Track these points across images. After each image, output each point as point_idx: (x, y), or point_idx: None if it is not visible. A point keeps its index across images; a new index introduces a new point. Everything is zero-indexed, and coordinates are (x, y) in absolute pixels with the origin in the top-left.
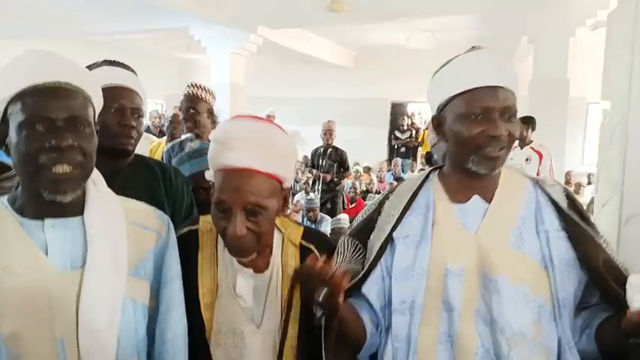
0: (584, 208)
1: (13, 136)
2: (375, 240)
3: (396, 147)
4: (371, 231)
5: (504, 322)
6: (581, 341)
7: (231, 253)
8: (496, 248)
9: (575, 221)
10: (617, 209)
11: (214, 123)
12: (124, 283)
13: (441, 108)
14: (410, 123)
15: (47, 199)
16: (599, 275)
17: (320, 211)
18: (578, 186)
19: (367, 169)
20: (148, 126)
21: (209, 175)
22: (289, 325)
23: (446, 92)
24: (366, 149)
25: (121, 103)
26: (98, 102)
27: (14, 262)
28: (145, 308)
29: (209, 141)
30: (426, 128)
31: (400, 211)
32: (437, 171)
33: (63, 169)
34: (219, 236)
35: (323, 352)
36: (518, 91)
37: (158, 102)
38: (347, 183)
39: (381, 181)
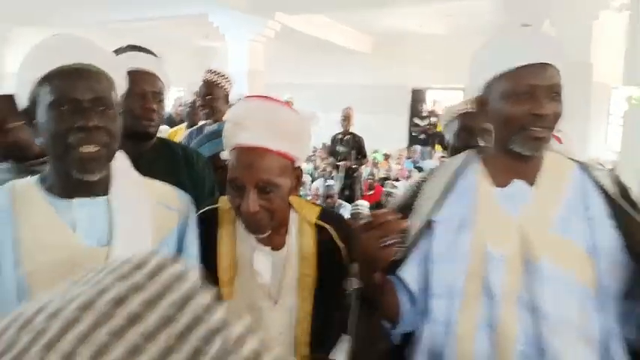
0: None
1: (41, 116)
2: (414, 223)
3: (415, 134)
4: (409, 213)
5: (547, 309)
6: (627, 330)
7: (247, 230)
8: (539, 233)
9: (624, 209)
10: None
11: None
12: None
13: (485, 87)
14: (430, 110)
15: (75, 177)
16: None
17: (338, 198)
18: None
19: (386, 157)
20: (170, 114)
21: (224, 155)
22: (304, 300)
23: (490, 71)
24: (385, 136)
25: (142, 87)
26: (122, 85)
27: (45, 238)
28: None
29: None
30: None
31: (440, 193)
32: (479, 153)
33: (89, 149)
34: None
35: (350, 321)
36: None
37: (180, 89)
38: (365, 170)
39: (400, 168)
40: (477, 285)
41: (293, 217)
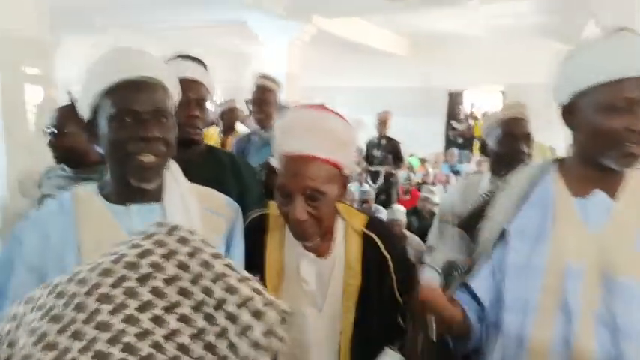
0: None
1: (103, 127)
2: (486, 231)
3: (452, 138)
4: (481, 223)
5: (630, 328)
6: None
7: (295, 238)
8: (621, 249)
9: None
10: None
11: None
12: None
13: (575, 96)
14: (468, 113)
15: (133, 185)
16: None
17: (375, 203)
18: None
19: (422, 161)
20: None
21: (274, 162)
22: (348, 309)
23: (585, 80)
24: (421, 140)
25: (187, 95)
26: (175, 94)
27: (104, 242)
28: None
29: None
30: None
31: (515, 203)
32: (556, 163)
33: (148, 158)
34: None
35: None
36: None
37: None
38: (402, 174)
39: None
40: (552, 299)
41: (340, 225)
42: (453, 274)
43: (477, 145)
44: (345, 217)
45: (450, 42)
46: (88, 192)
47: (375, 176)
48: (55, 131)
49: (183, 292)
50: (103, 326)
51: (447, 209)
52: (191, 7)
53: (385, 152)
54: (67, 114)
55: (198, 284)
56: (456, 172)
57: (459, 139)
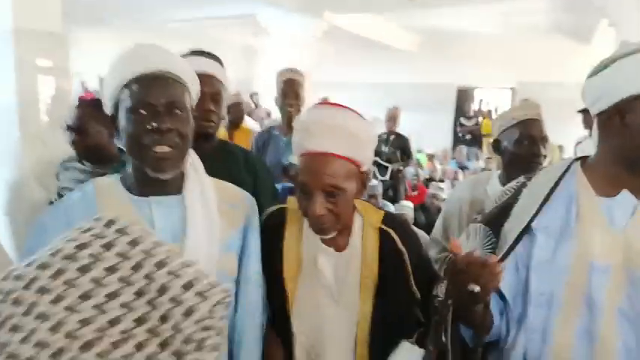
0: None
1: (122, 120)
2: (511, 229)
3: (461, 134)
4: (505, 219)
5: None
6: None
7: (314, 231)
8: None
9: None
10: None
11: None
12: (217, 256)
13: (627, 100)
14: (477, 109)
15: (151, 176)
16: None
17: (382, 198)
18: None
19: (430, 157)
20: None
21: (294, 160)
22: (364, 302)
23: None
24: (429, 136)
25: (202, 89)
26: (195, 89)
27: None
28: (233, 279)
29: None
30: (485, 117)
31: (541, 200)
32: (579, 161)
33: (162, 149)
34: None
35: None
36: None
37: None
38: (409, 170)
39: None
40: (577, 295)
41: (357, 220)
42: None
43: (485, 142)
44: (362, 212)
45: (460, 39)
46: (110, 183)
47: (383, 171)
48: (76, 130)
49: (125, 280)
50: (43, 317)
51: (454, 205)
52: (204, 2)
53: (393, 148)
54: (88, 111)
55: (140, 272)
56: (464, 169)
57: (467, 136)
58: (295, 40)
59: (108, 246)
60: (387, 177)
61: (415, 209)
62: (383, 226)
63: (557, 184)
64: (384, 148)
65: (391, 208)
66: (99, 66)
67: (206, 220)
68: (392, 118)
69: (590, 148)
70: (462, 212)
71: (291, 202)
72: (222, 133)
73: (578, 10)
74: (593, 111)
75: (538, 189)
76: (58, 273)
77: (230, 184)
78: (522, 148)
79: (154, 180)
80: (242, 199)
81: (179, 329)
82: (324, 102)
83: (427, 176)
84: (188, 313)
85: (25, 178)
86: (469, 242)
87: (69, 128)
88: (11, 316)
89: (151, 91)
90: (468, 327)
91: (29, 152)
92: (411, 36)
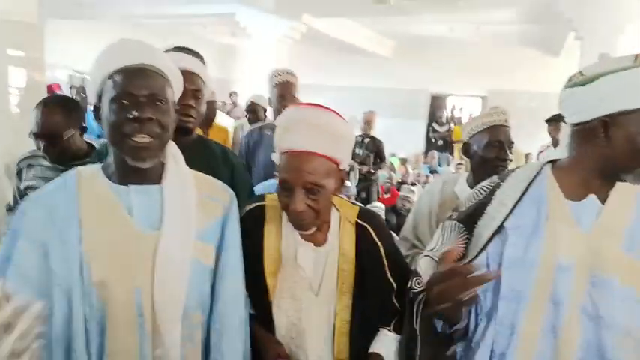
0: None
1: (105, 109)
2: (484, 227)
3: (433, 140)
4: (478, 217)
5: (611, 319)
6: None
7: (294, 227)
8: (609, 248)
9: None
10: None
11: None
12: (192, 246)
13: (613, 115)
14: (450, 116)
15: (130, 165)
16: None
17: (355, 200)
18: None
19: (403, 161)
20: None
21: (275, 158)
22: (343, 294)
23: (624, 103)
24: (403, 140)
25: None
26: (177, 84)
27: (104, 220)
28: (210, 269)
29: None
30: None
31: (514, 201)
32: (549, 165)
33: (142, 139)
34: (284, 211)
35: (415, 323)
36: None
37: None
38: (382, 174)
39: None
40: (543, 291)
41: (334, 216)
42: None
43: (457, 148)
44: (339, 208)
45: (434, 46)
46: (92, 171)
47: (355, 173)
48: (47, 137)
49: None
50: None
51: (424, 205)
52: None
53: (368, 151)
54: (54, 114)
55: None
56: (435, 174)
57: (439, 142)
58: (273, 41)
59: None
60: (356, 180)
61: (387, 211)
62: (359, 221)
63: (529, 186)
64: (358, 151)
65: None
66: (74, 59)
67: (183, 209)
68: (367, 121)
69: (553, 156)
70: (432, 212)
71: (269, 199)
72: (197, 131)
73: (547, 23)
74: (572, 120)
75: (511, 190)
76: None
77: (210, 177)
78: (490, 152)
79: (134, 169)
80: (221, 192)
81: None
82: (305, 102)
83: (399, 180)
84: None
85: None
86: (444, 239)
87: (37, 136)
88: None
89: (134, 82)
90: (439, 318)
91: None
92: (387, 42)
